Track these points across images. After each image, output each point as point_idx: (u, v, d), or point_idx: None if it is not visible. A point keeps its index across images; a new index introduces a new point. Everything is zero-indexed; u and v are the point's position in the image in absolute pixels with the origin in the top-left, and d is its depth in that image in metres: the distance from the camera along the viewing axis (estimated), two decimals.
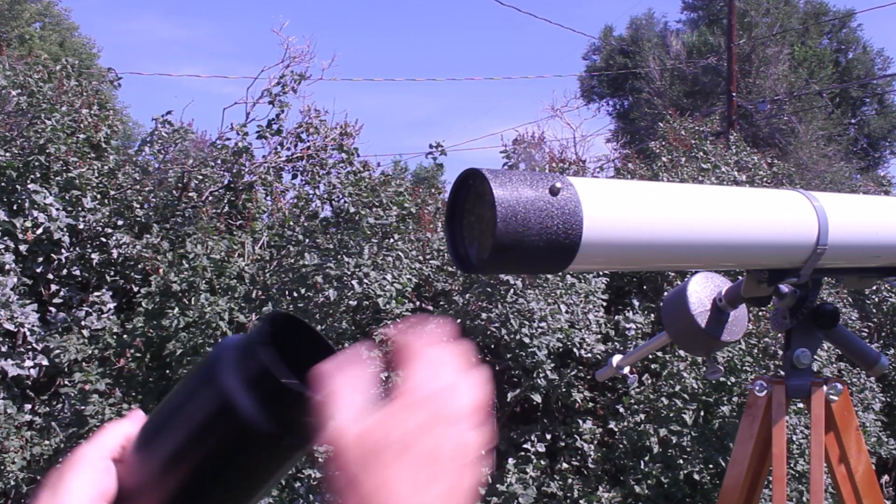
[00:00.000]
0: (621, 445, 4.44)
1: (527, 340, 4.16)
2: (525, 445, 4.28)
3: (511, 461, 4.19)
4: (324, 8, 55.23)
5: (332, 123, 4.77)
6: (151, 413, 0.59)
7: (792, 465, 4.32)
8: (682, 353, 4.40)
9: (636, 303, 4.78)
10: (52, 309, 4.19)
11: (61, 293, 4.25)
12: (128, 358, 4.11)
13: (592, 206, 0.88)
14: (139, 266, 4.27)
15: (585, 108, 20.23)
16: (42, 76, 4.46)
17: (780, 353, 4.47)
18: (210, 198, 4.62)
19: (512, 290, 4.25)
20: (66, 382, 4.03)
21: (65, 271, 4.29)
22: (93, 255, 4.29)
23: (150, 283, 4.13)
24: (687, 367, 4.40)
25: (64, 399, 4.08)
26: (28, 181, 4.14)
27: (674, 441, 4.33)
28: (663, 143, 6.37)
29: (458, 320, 4.32)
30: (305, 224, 4.43)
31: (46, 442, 3.93)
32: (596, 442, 4.49)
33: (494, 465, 4.26)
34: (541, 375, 4.24)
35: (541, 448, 4.28)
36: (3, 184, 4.13)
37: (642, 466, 4.31)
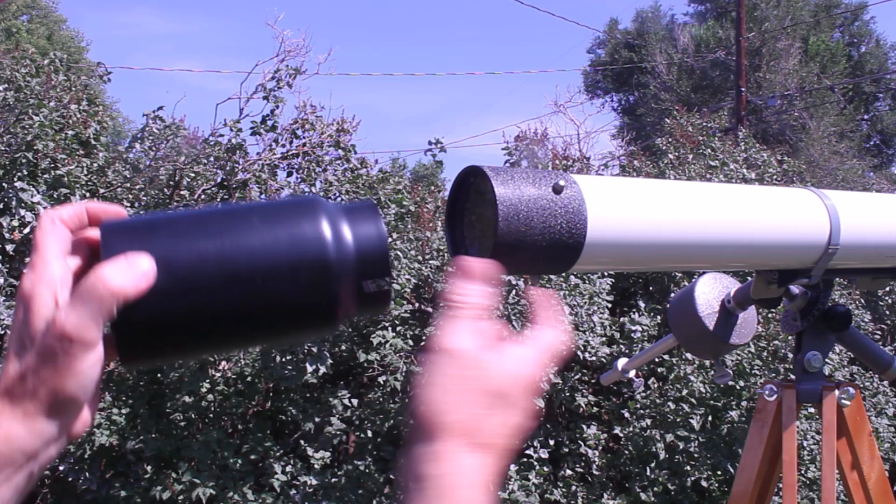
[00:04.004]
0: (627, 451, 4.36)
1: None
2: (527, 451, 4.21)
3: (513, 467, 4.11)
4: (320, 1, 55.12)
5: (328, 119, 4.70)
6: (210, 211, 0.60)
7: (803, 472, 4.30)
8: (689, 356, 4.33)
9: (642, 304, 4.70)
10: None
11: None
12: (117, 362, 4.01)
13: (597, 205, 0.84)
14: None
15: (589, 103, 20.07)
16: (29, 71, 4.37)
17: (791, 356, 4.41)
18: (203, 196, 4.52)
19: (514, 291, 4.16)
20: None
21: None
22: None
23: None
24: (694, 371, 4.35)
25: None
26: (15, 179, 4.05)
27: (681, 447, 4.27)
28: (670, 139, 6.30)
29: None
30: None
31: None
32: (601, 448, 4.41)
33: None
34: (544, 379, 4.13)
35: (544, 454, 4.21)
36: None
37: (648, 473, 4.25)
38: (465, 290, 0.61)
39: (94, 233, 0.59)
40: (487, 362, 0.58)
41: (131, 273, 0.53)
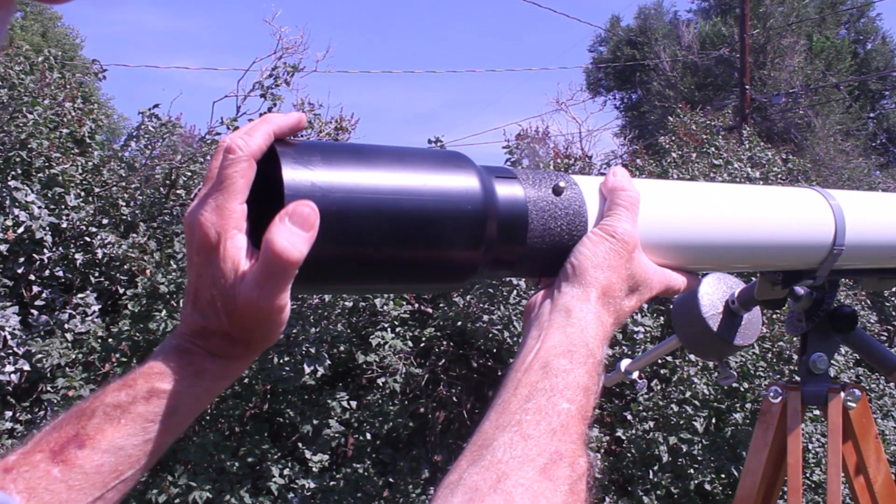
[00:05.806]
0: (629, 454, 4.31)
1: None
2: None
3: None
4: None
5: (327, 118, 4.65)
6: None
7: (808, 475, 4.28)
8: (692, 357, 4.28)
9: (645, 305, 4.63)
10: (34, 311, 4.07)
11: (43, 295, 4.13)
12: (113, 363, 3.99)
13: (598, 207, 0.81)
14: (125, 267, 4.14)
15: (592, 101, 19.91)
16: (24, 68, 4.35)
17: (796, 357, 4.36)
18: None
19: (515, 292, 4.11)
20: (49, 389, 3.92)
21: (47, 272, 4.17)
22: (76, 256, 4.17)
23: (137, 285, 4.03)
24: (698, 373, 4.31)
25: (46, 406, 3.97)
26: (9, 178, 4.03)
27: (684, 450, 4.23)
28: (673, 138, 6.24)
29: (459, 323, 4.17)
30: None
31: None
32: (603, 451, 4.36)
33: None
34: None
35: None
36: None
37: (651, 476, 4.21)
38: (634, 189, 0.75)
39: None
40: (640, 254, 0.75)
41: (303, 235, 0.56)
